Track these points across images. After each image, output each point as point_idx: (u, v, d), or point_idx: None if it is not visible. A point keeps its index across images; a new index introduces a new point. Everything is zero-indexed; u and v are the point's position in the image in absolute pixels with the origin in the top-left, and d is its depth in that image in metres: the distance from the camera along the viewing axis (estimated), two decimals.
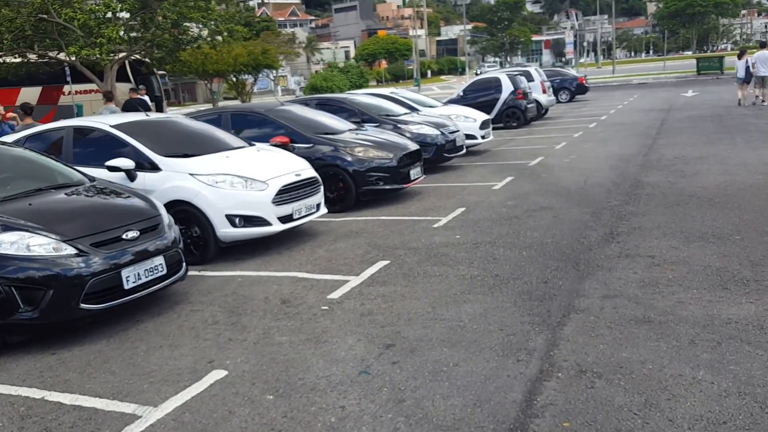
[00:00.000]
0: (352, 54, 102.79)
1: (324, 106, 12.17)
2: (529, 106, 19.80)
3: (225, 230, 6.61)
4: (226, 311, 5.20)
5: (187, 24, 20.96)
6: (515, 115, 19.46)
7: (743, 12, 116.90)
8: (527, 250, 6.22)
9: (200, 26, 22.29)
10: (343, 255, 6.61)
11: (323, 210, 7.66)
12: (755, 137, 12.75)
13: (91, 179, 5.92)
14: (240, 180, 6.72)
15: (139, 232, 5.07)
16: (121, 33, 17.90)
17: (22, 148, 6.19)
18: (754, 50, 21.26)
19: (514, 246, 6.41)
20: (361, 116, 11.77)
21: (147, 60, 23.22)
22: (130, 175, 6.80)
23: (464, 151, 12.62)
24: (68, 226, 4.78)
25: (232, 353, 4.32)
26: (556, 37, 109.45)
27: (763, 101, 19.39)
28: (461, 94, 20.37)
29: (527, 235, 6.77)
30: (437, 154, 11.75)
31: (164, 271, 5.20)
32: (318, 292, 5.46)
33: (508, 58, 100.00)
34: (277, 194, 6.79)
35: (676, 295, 4.72)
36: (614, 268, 5.47)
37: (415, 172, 9.51)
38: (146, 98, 17.29)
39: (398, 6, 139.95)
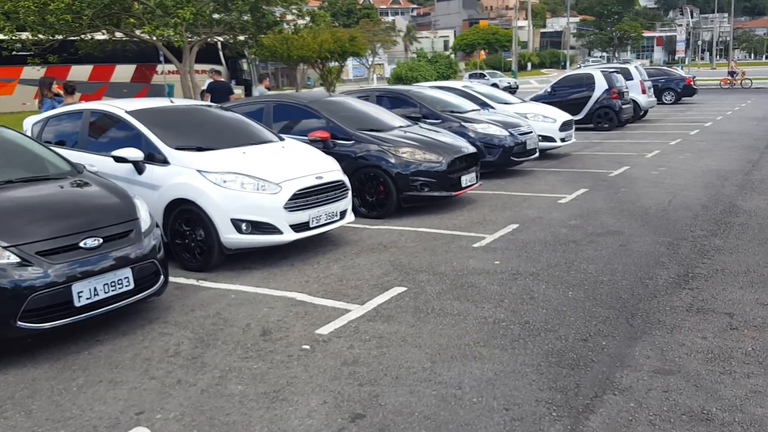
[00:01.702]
0: (451, 43, 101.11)
1: (385, 98, 11.32)
2: (624, 106, 18.01)
3: (230, 236, 5.88)
4: (195, 339, 4.45)
5: (267, 8, 20.60)
6: (608, 115, 17.75)
7: None
8: (575, 290, 5.08)
9: (282, 10, 21.96)
10: (357, 275, 5.72)
11: (349, 218, 6.79)
12: None
13: (79, 170, 5.33)
14: (251, 180, 5.96)
15: (102, 240, 4.40)
16: (197, 14, 17.69)
17: (14, 131, 5.70)
18: None
19: (560, 282, 5.28)
20: (422, 111, 10.80)
21: (230, 43, 23.14)
22: (138, 168, 6.21)
23: (537, 154, 11.36)
24: (15, 228, 4.16)
25: (170, 404, 3.54)
26: (669, 34, 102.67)
27: None
28: (549, 90, 18.89)
29: (580, 269, 5.61)
30: (504, 158, 10.58)
31: (131, 286, 4.51)
32: (308, 324, 4.61)
33: (616, 54, 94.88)
34: (291, 199, 5.98)
35: (752, 379, 3.50)
36: (679, 327, 4.26)
37: (468, 178, 8.44)
38: (225, 81, 17.11)
39: None
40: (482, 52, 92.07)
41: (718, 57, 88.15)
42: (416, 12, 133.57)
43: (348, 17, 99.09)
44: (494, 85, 42.60)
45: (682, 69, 37.40)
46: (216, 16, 20.86)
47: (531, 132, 11.24)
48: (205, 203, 5.87)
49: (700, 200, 8.15)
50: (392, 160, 7.96)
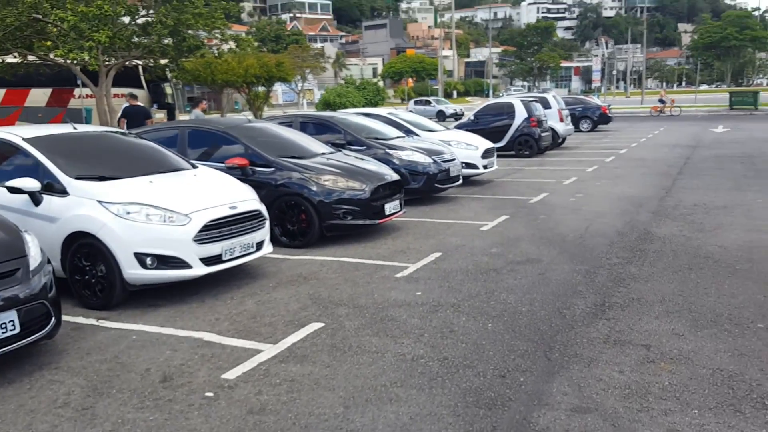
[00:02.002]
0: (380, 71, 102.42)
1: (309, 125, 11.14)
2: (543, 134, 18.52)
3: (133, 272, 5.48)
4: (88, 387, 4.04)
5: (190, 32, 20.10)
6: (528, 143, 18.19)
7: None
8: (494, 321, 4.98)
9: (206, 34, 21.48)
10: (273, 310, 5.43)
11: (267, 250, 6.50)
12: None
13: None
14: (157, 211, 5.60)
15: None
16: (114, 37, 17.02)
17: None
18: None
19: (480, 313, 5.18)
20: (346, 138, 10.67)
21: (150, 66, 22.40)
22: (35, 199, 5.73)
23: (460, 181, 11.41)
24: None
25: None
26: (586, 64, 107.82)
27: None
28: (473, 118, 19.21)
29: (500, 299, 5.54)
30: (428, 185, 10.56)
31: (16, 330, 4.08)
32: (214, 368, 4.28)
33: (536, 83, 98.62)
34: (201, 230, 5.65)
35: (669, 417, 3.45)
36: (596, 360, 4.21)
37: (392, 206, 8.32)
38: (142, 106, 16.45)
39: (429, 26, 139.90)
40: (410, 79, 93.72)
41: (632, 86, 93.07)
42: (345, 39, 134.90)
43: (276, 43, 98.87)
44: (440, 111, 42.28)
45: (598, 98, 38.98)
46: (135, 39, 20.17)
47: (454, 159, 11.29)
48: (106, 236, 5.46)
49: (616, 227, 8.33)
50: (314, 188, 7.75)
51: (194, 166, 6.97)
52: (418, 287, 5.96)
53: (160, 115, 30.75)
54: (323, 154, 8.67)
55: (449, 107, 45.85)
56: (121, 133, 7.91)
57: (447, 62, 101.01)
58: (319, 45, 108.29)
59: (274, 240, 7.70)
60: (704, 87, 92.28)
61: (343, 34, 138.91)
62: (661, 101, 39.78)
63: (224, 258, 5.87)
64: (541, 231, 8.31)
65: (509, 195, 11.46)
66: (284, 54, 76.27)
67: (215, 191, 6.25)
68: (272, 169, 7.93)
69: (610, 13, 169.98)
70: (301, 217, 7.79)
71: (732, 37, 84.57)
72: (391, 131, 11.79)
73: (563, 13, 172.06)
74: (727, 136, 22.73)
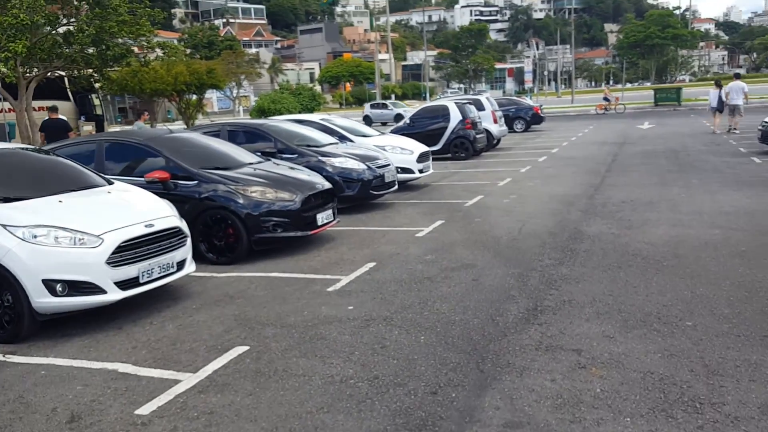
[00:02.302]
0: (317, 75, 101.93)
1: (238, 133, 10.82)
2: (478, 136, 18.67)
3: (42, 300, 5.08)
4: None
5: (112, 40, 19.33)
6: (463, 145, 18.30)
7: (701, 44, 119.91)
8: (427, 334, 4.85)
9: (131, 42, 20.72)
10: (195, 334, 5.14)
11: (189, 269, 6.18)
12: (711, 178, 11.75)
13: None
14: (67, 234, 5.22)
15: None
16: (33, 47, 16.18)
17: None
18: (727, 81, 22.53)
19: (413, 326, 5.04)
20: (277, 146, 10.41)
21: (74, 77, 21.43)
22: None
23: (396, 187, 11.30)
24: None
25: None
26: (518, 65, 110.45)
27: (734, 129, 20.42)
28: (408, 122, 19.19)
29: (434, 309, 5.41)
30: (363, 192, 10.41)
31: None
32: (127, 403, 3.98)
33: (472, 85, 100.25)
34: (114, 252, 5.30)
35: (602, 426, 3.38)
36: (528, 369, 4.12)
37: (324, 215, 8.10)
38: (62, 118, 15.66)
39: (365, 30, 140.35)
40: (347, 84, 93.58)
41: (563, 86, 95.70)
42: (280, 44, 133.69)
43: (210, 49, 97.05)
44: (398, 114, 40.19)
45: (530, 98, 39.84)
46: (58, 49, 19.25)
47: (389, 165, 11.18)
48: (11, 263, 5.05)
49: (548, 227, 8.38)
50: (241, 201, 7.46)
51: (109, 182, 6.58)
52: (350, 301, 5.77)
53: (88, 128, 29.50)
54: (251, 164, 8.38)
55: (407, 110, 44.92)
56: (33, 150, 7.43)
57: (384, 66, 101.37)
58: (254, 50, 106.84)
59: (200, 257, 7.41)
60: (629, 85, 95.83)
61: (279, 39, 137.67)
62: (606, 99, 39.43)
63: (142, 280, 5.53)
64: (476, 235, 8.27)
65: (445, 199, 11.43)
66: (217, 60, 74.84)
67: (130, 209, 5.90)
68: (196, 181, 7.59)
69: (540, 15, 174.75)
70: (227, 231, 7.49)
71: (655, 35, 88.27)
72: (324, 138, 11.58)
73: (495, 15, 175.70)
74: (653, 132, 23.54)
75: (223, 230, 7.50)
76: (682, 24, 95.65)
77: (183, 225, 6.17)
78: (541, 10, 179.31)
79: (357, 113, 61.60)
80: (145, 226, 5.63)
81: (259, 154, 9.83)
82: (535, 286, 5.89)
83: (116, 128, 60.08)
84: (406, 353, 4.50)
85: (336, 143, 11.51)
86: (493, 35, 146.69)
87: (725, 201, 9.45)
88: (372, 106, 46.05)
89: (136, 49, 22.04)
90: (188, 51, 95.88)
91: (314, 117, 13.79)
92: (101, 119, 31.25)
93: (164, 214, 5.99)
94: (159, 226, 5.75)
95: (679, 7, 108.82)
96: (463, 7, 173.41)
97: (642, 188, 11.09)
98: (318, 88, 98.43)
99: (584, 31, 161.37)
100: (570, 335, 4.65)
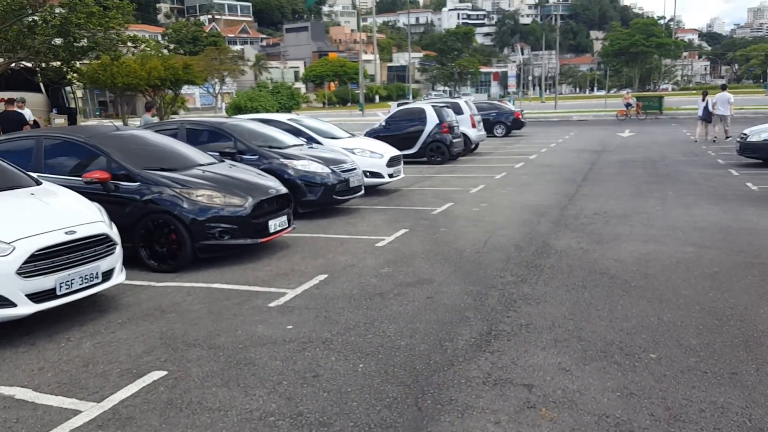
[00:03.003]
0: (302, 74, 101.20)
1: (198, 132, 10.31)
2: (455, 140, 18.28)
3: None
4: None
5: (81, 32, 18.69)
6: (440, 149, 17.90)
7: (684, 54, 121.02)
8: (367, 361, 4.38)
9: (100, 35, 20.06)
10: (111, 355, 4.63)
11: (117, 279, 5.66)
12: (688, 190, 11.43)
13: None
14: None
15: None
16: None
17: None
18: (713, 91, 24.09)
19: (353, 350, 4.57)
20: (237, 146, 9.91)
21: (39, 69, 20.71)
22: None
23: (362, 192, 10.83)
24: None
25: None
26: (504, 69, 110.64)
27: (718, 138, 21.15)
28: (384, 124, 18.76)
29: (380, 330, 4.95)
30: (326, 196, 9.93)
31: None
32: None
33: (457, 88, 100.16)
34: (27, 261, 4.78)
35: None
36: (471, 408, 3.67)
37: (278, 222, 7.61)
38: (25, 112, 15.00)
39: (352, 30, 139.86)
40: (332, 84, 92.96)
41: (547, 91, 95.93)
42: (266, 42, 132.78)
43: (194, 45, 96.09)
44: None
45: (513, 103, 39.56)
46: (23, 40, 18.56)
47: (355, 169, 10.71)
48: None
49: (515, 240, 7.96)
50: (185, 205, 6.94)
51: (37, 183, 6.05)
52: (291, 319, 5.29)
53: (59, 121, 28.67)
54: (202, 165, 7.86)
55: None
56: None
57: (369, 66, 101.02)
58: (238, 47, 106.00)
59: (142, 264, 6.90)
60: (614, 92, 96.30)
61: (264, 36, 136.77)
62: (628, 105, 37.21)
63: (60, 292, 5.00)
64: (439, 246, 7.83)
65: (413, 206, 10.98)
66: (200, 56, 73.95)
67: (52, 213, 5.38)
68: (138, 183, 7.07)
69: (527, 21, 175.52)
70: (170, 237, 6.97)
71: (639, 43, 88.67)
72: (289, 139, 11.08)
73: (482, 19, 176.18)
74: (633, 140, 23.31)
75: (166, 236, 6.99)
76: (666, 33, 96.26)
77: (112, 231, 5.65)
78: (528, 15, 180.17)
79: (342, 113, 61.13)
80: (66, 232, 5.11)
81: (217, 154, 9.40)
82: (493, 306, 5.45)
83: (94, 122, 59.13)
84: (339, 384, 4.03)
85: (301, 145, 11.02)
86: (479, 39, 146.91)
87: (701, 216, 9.10)
88: (399, 106, 43.55)
89: (121, 45, 21.35)
90: (171, 46, 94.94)
91: (282, 117, 13.28)
92: (74, 112, 30.39)
93: (90, 220, 5.47)
94: (82, 232, 5.23)
95: (663, 17, 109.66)
96: (450, 10, 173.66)
97: (617, 199, 10.72)
98: (302, 87, 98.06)
99: (570, 37, 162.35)
100: (523, 366, 4.20)
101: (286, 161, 9.86)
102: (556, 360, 4.29)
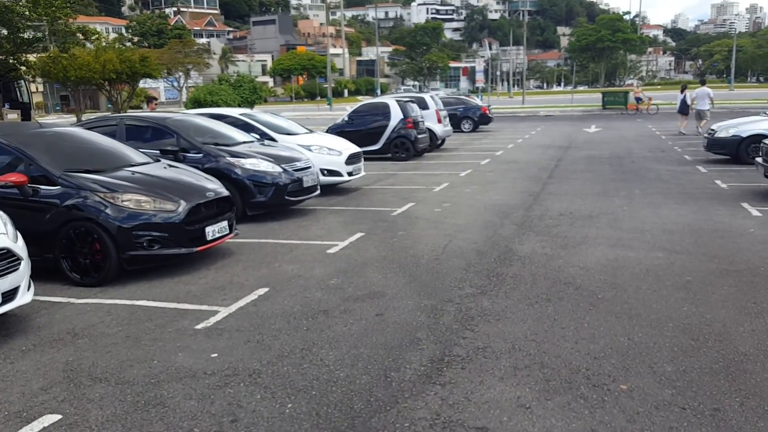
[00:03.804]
0: (269, 68, 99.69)
1: (137, 128, 9.59)
2: (420, 136, 17.72)
3: None
4: None
5: (26, 22, 17.65)
6: (404, 145, 17.33)
7: (649, 50, 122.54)
8: (298, 399, 3.78)
9: (45, 26, 19.01)
10: (3, 393, 3.94)
11: (21, 300, 4.95)
12: (655, 188, 11.05)
13: None
14: None
15: None
16: None
17: None
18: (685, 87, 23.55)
19: (284, 385, 3.96)
20: (181, 144, 9.20)
21: None
22: None
23: (318, 192, 10.20)
24: None
25: None
26: (473, 64, 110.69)
27: (701, 130, 20.58)
28: (346, 119, 18.12)
29: (318, 359, 4.35)
30: (277, 198, 9.28)
31: None
32: None
33: (426, 83, 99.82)
34: None
35: None
36: None
37: (216, 228, 6.93)
38: None
39: (321, 24, 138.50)
40: (300, 77, 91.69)
41: (515, 87, 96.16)
42: (233, 35, 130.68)
43: (158, 37, 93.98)
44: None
45: (481, 98, 39.20)
46: None
47: (310, 167, 10.05)
48: None
49: (477, 244, 7.42)
50: (110, 211, 6.24)
51: None
52: (217, 345, 4.65)
53: (12, 116, 27.37)
54: (133, 166, 7.15)
55: (480, 104, 33.10)
56: None
57: (338, 60, 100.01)
58: (205, 40, 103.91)
59: (64, 277, 6.19)
60: (582, 88, 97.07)
61: (231, 29, 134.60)
62: (638, 99, 35.96)
63: None
64: (395, 252, 7.24)
65: (373, 206, 10.39)
66: (164, 49, 72.06)
67: None
68: (59, 187, 6.34)
69: (495, 16, 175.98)
70: (94, 247, 6.26)
71: (606, 39, 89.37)
72: (239, 136, 10.38)
73: (451, 14, 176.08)
74: (599, 136, 23.07)
75: (90, 246, 6.27)
76: (631, 29, 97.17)
77: (16, 246, 4.94)
78: (496, 11, 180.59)
79: (310, 108, 60.18)
80: None
81: (158, 153, 8.71)
82: (448, 324, 4.89)
83: (53, 117, 57.11)
84: None
85: (252, 142, 10.33)
86: (448, 34, 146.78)
87: (669, 217, 8.69)
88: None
89: (71, 36, 20.30)
90: (135, 39, 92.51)
91: (233, 111, 12.53)
92: (27, 107, 29.15)
93: None
94: None
95: (629, 12, 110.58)
96: (419, 4, 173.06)
97: (583, 198, 10.28)
98: (270, 80, 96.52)
99: (538, 33, 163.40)
100: (477, 403, 3.64)
101: (233, 160, 9.18)
102: (515, 393, 3.74)
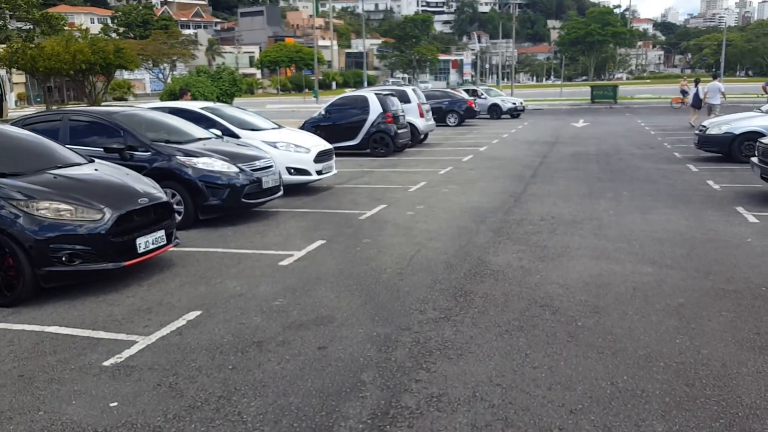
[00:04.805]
0: (257, 60, 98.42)
1: (81, 124, 8.76)
2: (400, 131, 16.93)
3: None
4: None
5: None
6: (383, 141, 16.55)
7: (639, 43, 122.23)
8: None
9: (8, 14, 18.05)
10: None
11: None
12: (643, 189, 10.36)
13: None
14: None
15: None
16: None
17: None
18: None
19: None
20: (127, 141, 8.39)
21: None
22: None
23: (280, 193, 9.41)
24: None
25: None
26: (462, 57, 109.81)
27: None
28: (323, 113, 17.32)
29: (235, 412, 3.58)
30: (232, 200, 8.48)
31: None
32: None
33: (416, 75, 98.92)
34: None
35: None
36: None
37: (150, 240, 6.13)
38: None
39: (310, 15, 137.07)
40: (287, 69, 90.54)
41: (504, 79, 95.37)
42: (220, 26, 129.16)
43: (144, 28, 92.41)
44: (494, 105, 31.52)
45: (488, 90, 38.35)
46: None
47: (271, 167, 9.24)
48: None
49: (447, 255, 6.68)
50: (24, 222, 5.43)
51: None
52: (121, 389, 3.87)
53: None
54: (54, 168, 6.32)
55: (507, 100, 32.57)
56: None
57: (326, 52, 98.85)
58: (192, 31, 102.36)
59: None
60: (574, 81, 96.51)
61: (219, 20, 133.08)
62: (683, 92, 32.97)
63: None
64: (355, 264, 6.48)
65: (340, 208, 9.62)
66: (148, 40, 70.72)
67: None
68: None
69: (486, 9, 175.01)
70: (7, 262, 5.45)
71: (595, 32, 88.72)
72: (197, 132, 9.57)
73: (441, 7, 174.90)
74: (587, 131, 22.40)
75: (1, 260, 5.47)
76: (621, 23, 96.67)
77: None
78: (486, 3, 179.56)
79: (296, 100, 59.18)
80: None
81: (101, 152, 7.93)
82: (401, 362, 4.14)
83: (33, 108, 55.76)
84: None
85: (209, 138, 9.51)
86: (438, 27, 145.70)
87: (659, 223, 7.98)
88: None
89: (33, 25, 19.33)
90: (121, 29, 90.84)
91: (194, 105, 11.68)
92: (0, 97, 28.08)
93: None
94: None
95: (619, 6, 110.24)
96: None
97: (566, 201, 9.56)
98: (257, 72, 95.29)
99: (528, 26, 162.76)
100: None
101: (184, 159, 8.38)
102: None
